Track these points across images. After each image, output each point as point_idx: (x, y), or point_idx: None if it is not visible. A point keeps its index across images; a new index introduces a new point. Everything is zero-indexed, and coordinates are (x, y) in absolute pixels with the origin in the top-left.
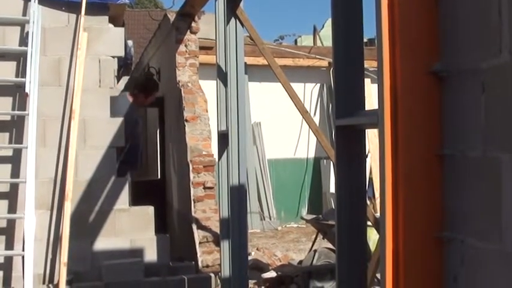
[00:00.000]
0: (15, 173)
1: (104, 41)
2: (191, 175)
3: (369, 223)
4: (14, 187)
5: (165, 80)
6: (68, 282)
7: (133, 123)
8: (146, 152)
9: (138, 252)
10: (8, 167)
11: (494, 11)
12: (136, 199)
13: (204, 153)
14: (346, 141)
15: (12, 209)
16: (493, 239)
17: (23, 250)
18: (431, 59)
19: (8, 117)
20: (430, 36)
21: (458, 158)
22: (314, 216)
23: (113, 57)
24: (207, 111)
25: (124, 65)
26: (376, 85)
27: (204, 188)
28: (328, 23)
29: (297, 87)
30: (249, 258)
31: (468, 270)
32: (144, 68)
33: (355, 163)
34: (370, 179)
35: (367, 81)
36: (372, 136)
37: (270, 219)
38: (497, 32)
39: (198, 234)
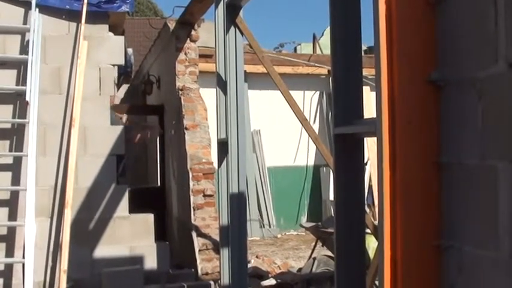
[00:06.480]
0: (16, 180)
1: (104, 49)
2: (191, 183)
3: (368, 231)
4: (15, 195)
5: (164, 88)
6: None
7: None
8: (146, 159)
9: (137, 260)
10: (8, 175)
11: (490, 21)
12: (136, 207)
13: (203, 161)
14: (345, 150)
15: (12, 216)
16: (490, 247)
17: (23, 257)
18: (429, 67)
19: (9, 125)
20: (428, 45)
21: (455, 165)
22: (313, 223)
23: (113, 65)
24: (206, 119)
25: (124, 73)
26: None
27: (204, 195)
28: (328, 31)
29: (297, 95)
30: (249, 265)
31: (465, 278)
32: (144, 76)
33: (353, 171)
34: (370, 186)
35: (366, 89)
36: (371, 144)
37: (270, 226)
38: (493, 41)
39: (197, 242)
